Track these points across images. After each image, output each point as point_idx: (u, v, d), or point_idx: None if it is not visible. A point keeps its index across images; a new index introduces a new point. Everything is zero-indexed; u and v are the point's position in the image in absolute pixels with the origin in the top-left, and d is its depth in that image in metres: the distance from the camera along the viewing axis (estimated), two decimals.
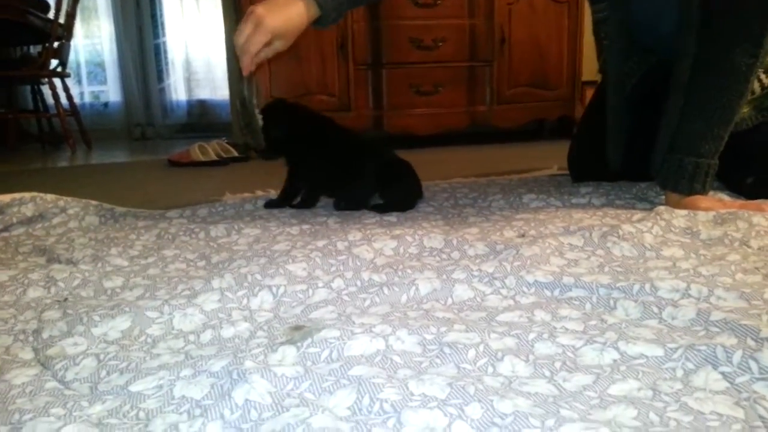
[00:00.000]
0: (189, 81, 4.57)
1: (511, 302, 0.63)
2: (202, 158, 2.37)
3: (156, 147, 3.72)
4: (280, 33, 1.06)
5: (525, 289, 0.65)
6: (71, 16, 3.49)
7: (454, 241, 0.83)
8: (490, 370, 0.47)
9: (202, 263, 0.87)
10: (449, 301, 0.64)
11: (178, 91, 4.58)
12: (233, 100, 3.49)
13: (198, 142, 2.48)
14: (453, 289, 0.65)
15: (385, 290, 0.65)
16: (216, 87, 4.58)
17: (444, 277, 0.67)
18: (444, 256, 0.80)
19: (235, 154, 2.53)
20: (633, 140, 1.17)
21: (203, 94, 4.61)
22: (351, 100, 2.76)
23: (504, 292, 0.65)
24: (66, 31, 3.50)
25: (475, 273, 0.68)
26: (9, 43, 3.91)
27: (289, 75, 2.68)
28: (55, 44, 3.45)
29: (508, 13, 2.78)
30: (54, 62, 3.52)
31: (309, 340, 0.52)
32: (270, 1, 1.06)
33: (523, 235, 0.87)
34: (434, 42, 2.74)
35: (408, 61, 2.76)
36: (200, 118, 4.56)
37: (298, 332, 0.54)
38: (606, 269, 0.71)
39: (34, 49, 4.00)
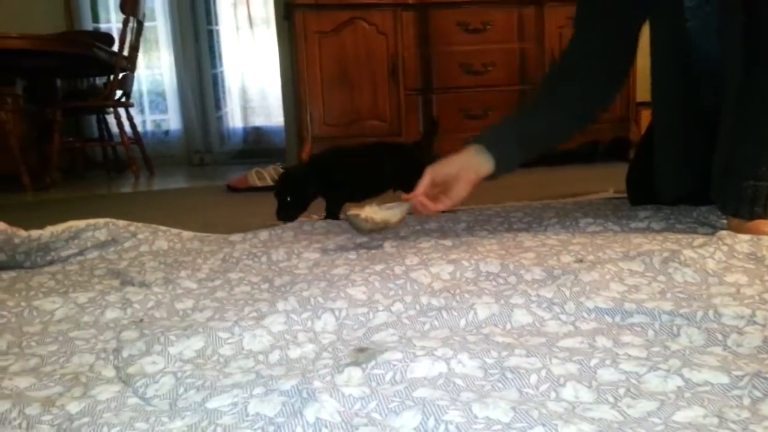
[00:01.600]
0: (245, 109, 4.73)
1: (571, 328, 0.63)
2: (258, 183, 2.44)
3: (214, 173, 3.85)
4: (443, 182, 1.08)
5: (585, 315, 0.65)
6: (134, 49, 3.68)
7: (511, 266, 0.84)
8: (553, 395, 0.48)
9: (265, 286, 0.91)
10: (508, 326, 0.65)
11: (234, 119, 4.74)
12: (288, 126, 3.60)
13: (255, 168, 2.56)
14: (511, 314, 0.66)
15: (444, 314, 0.67)
16: (270, 114, 4.73)
17: (502, 302, 0.68)
18: (501, 280, 0.81)
19: None
20: (696, 163, 1.16)
21: (258, 121, 4.76)
22: (402, 124, 2.81)
23: (563, 317, 0.65)
24: (130, 63, 3.69)
25: (534, 298, 0.69)
26: (77, 75, 4.15)
27: (341, 101, 2.75)
28: (120, 75, 3.64)
29: (559, 36, 2.78)
30: (118, 92, 3.71)
31: (373, 361, 0.54)
32: (445, 158, 1.10)
33: (581, 261, 0.87)
34: (484, 66, 2.76)
35: (458, 85, 2.80)
36: (255, 145, 4.71)
37: (363, 354, 0.56)
38: (668, 295, 0.70)
39: (100, 80, 4.23)
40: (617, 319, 0.64)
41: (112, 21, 4.51)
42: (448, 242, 1.08)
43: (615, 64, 1.21)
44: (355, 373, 0.53)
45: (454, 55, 2.74)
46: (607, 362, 0.52)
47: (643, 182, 1.29)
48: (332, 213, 1.44)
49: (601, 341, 0.58)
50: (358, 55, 2.70)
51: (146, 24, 3.82)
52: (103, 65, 3.59)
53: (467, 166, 1.08)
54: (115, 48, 3.72)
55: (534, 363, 0.53)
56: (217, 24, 4.68)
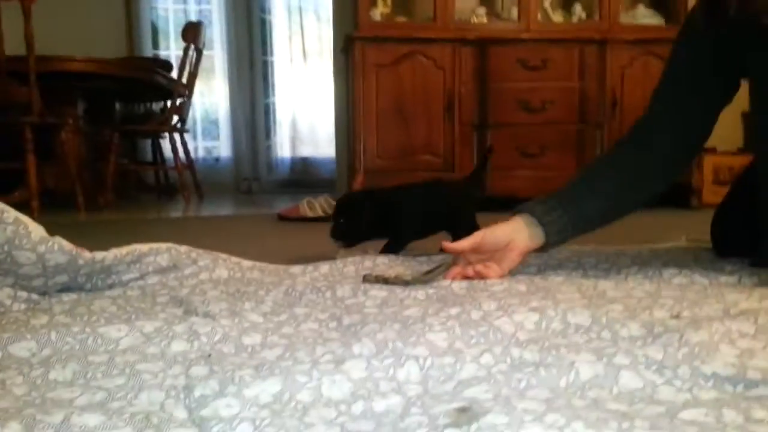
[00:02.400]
0: (294, 139, 4.78)
1: (689, 396, 0.56)
2: (310, 214, 2.43)
3: (261, 201, 3.87)
4: (489, 250, 1.09)
5: (702, 382, 0.59)
6: (193, 76, 3.77)
7: (603, 319, 0.78)
8: None
9: (333, 324, 0.86)
10: (615, 389, 0.58)
11: (283, 149, 4.80)
12: (338, 157, 3.60)
13: (306, 198, 2.55)
14: (618, 375, 0.60)
15: (542, 371, 0.61)
16: (318, 145, 4.77)
17: (605, 360, 0.62)
18: (593, 335, 0.75)
19: None
20: None
21: (306, 151, 4.81)
22: (455, 159, 2.78)
23: (678, 383, 0.59)
24: (187, 90, 3.77)
25: (641, 359, 0.62)
26: (135, 99, 4.26)
27: (395, 135, 2.74)
28: (177, 102, 3.72)
29: (621, 76, 2.73)
30: (175, 118, 3.79)
31: (476, 424, 0.49)
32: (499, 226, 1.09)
33: (677, 316, 0.80)
34: (542, 104, 2.72)
35: (514, 122, 2.76)
36: (302, 175, 4.74)
37: (464, 415, 0.50)
38: None
39: (156, 105, 4.34)
40: (739, 388, 0.57)
41: (171, 48, 4.64)
42: (522, 287, 1.02)
43: (690, 140, 1.17)
44: None
45: (512, 91, 2.70)
46: None
47: (732, 234, 1.21)
48: (392, 249, 1.39)
49: (730, 415, 0.51)
50: (415, 89, 2.69)
51: (204, 53, 3.92)
52: (162, 91, 3.68)
53: (518, 237, 1.07)
54: (174, 74, 3.82)
55: None
56: (272, 55, 4.78)
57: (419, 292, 1.01)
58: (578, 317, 0.79)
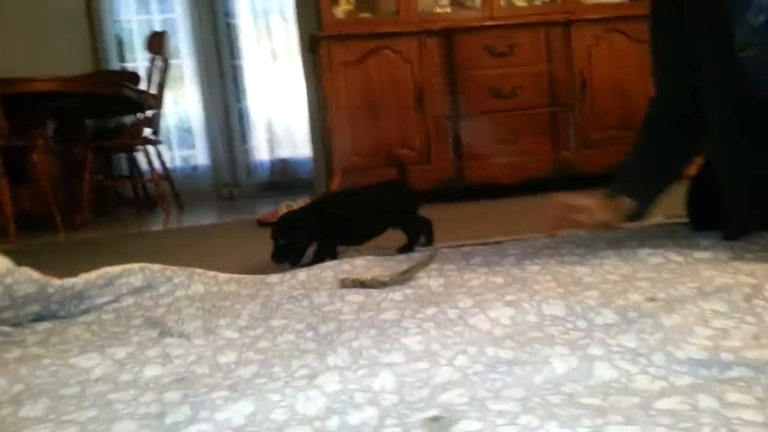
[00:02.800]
0: (271, 141, 4.75)
1: (665, 384, 0.56)
2: None
3: (242, 206, 3.84)
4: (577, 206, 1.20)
5: (677, 368, 0.58)
6: (161, 87, 3.72)
7: (578, 308, 0.77)
8: None
9: (310, 334, 0.85)
10: (590, 382, 0.58)
11: (260, 152, 4.76)
12: (316, 157, 3.58)
13: (285, 201, 2.53)
14: (592, 367, 0.59)
15: (516, 369, 0.60)
16: (296, 146, 4.74)
17: (580, 353, 0.62)
18: (569, 325, 0.75)
19: None
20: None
21: (284, 153, 4.78)
22: (431, 152, 2.77)
23: (653, 371, 0.58)
24: (157, 101, 3.72)
25: (615, 348, 0.62)
26: (105, 114, 4.20)
27: (370, 132, 2.72)
28: (148, 113, 3.67)
29: (588, 56, 2.73)
30: (147, 130, 3.73)
31: None
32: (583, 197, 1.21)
33: (652, 299, 0.80)
34: (513, 90, 2.72)
35: (486, 110, 2.75)
36: (282, 177, 4.71)
37: (436, 423, 0.50)
38: (763, 340, 0.63)
39: (127, 119, 4.28)
40: (714, 371, 0.57)
41: (138, 60, 4.58)
42: (499, 279, 1.02)
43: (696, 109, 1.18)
44: None
45: (481, 79, 2.70)
46: (723, 431, 0.45)
47: (705, 207, 1.21)
48: (322, 258, 1.39)
49: (705, 401, 0.51)
50: (384, 84, 2.68)
51: (172, 62, 3.87)
52: (132, 104, 3.63)
53: (615, 211, 1.18)
54: (142, 86, 3.77)
55: None
56: (240, 59, 4.73)
57: (397, 294, 1.00)
58: (553, 308, 0.79)
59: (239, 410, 0.59)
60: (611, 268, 1.02)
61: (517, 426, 0.48)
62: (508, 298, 0.85)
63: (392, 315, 0.87)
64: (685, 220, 1.32)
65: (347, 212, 1.44)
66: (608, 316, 0.74)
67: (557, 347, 0.64)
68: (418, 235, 1.50)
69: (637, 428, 0.46)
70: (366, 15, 2.88)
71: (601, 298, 0.83)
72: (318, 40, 2.67)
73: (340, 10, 2.84)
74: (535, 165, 2.73)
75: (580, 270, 1.02)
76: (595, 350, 0.62)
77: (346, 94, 2.67)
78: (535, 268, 1.08)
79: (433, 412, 0.53)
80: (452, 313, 0.83)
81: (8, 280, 1.00)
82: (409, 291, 1.01)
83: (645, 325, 0.67)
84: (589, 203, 1.18)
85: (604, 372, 0.59)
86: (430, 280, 1.08)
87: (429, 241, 1.51)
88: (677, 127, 1.22)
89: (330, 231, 1.40)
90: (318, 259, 1.38)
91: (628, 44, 2.74)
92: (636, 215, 1.20)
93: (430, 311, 0.85)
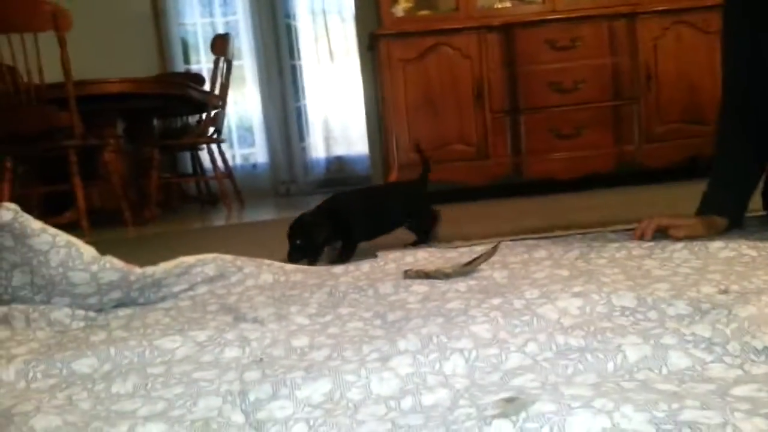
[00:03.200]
0: (327, 139, 4.82)
1: (740, 372, 0.56)
2: None
3: (300, 202, 3.92)
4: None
5: (754, 357, 0.58)
6: (225, 87, 3.84)
7: (649, 300, 0.77)
8: None
9: (378, 322, 0.88)
10: (664, 370, 0.58)
11: (317, 149, 4.84)
12: (372, 154, 3.62)
13: None
14: (666, 356, 0.59)
15: (588, 356, 0.61)
16: (351, 143, 4.79)
17: (652, 342, 0.62)
18: (640, 316, 0.74)
19: None
20: None
21: (340, 150, 4.84)
22: (489, 147, 2.76)
23: (728, 360, 0.58)
24: (221, 101, 3.84)
25: (689, 337, 0.62)
26: (172, 114, 4.36)
27: (427, 127, 2.73)
28: (212, 113, 3.79)
29: (654, 48, 2.66)
30: (211, 129, 3.86)
31: (524, 413, 0.49)
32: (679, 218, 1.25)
33: (725, 291, 0.79)
34: (574, 84, 2.67)
35: (547, 105, 2.72)
36: (338, 173, 4.78)
37: (511, 405, 0.51)
38: None
39: (192, 119, 4.43)
40: None
41: (202, 62, 4.73)
42: (564, 272, 1.02)
43: None
44: (506, 426, 0.48)
45: (542, 73, 2.67)
46: None
47: None
48: (346, 256, 1.42)
49: None
50: (443, 81, 2.68)
51: (234, 63, 3.98)
52: (196, 104, 3.76)
53: (709, 228, 1.21)
54: (206, 87, 3.89)
55: (713, 417, 0.46)
56: (299, 59, 4.82)
57: (460, 285, 1.01)
58: (623, 299, 0.79)
59: (317, 389, 0.62)
60: (681, 261, 1.00)
61: (592, 408, 0.49)
62: (576, 289, 0.85)
63: (458, 305, 0.88)
64: (758, 213, 1.29)
65: (358, 211, 1.48)
66: (680, 307, 0.74)
67: (630, 336, 0.64)
68: (427, 232, 1.56)
69: (715, 413, 0.46)
70: (425, 12, 2.90)
71: (671, 290, 0.82)
72: (377, 38, 2.70)
73: (400, 8, 2.87)
74: (597, 160, 2.68)
75: (649, 263, 1.00)
76: (669, 339, 0.62)
77: (405, 90, 2.69)
78: (602, 261, 1.08)
79: (507, 394, 0.54)
80: (518, 304, 0.84)
81: (94, 268, 1.06)
82: (473, 282, 1.02)
83: (719, 316, 0.67)
84: (683, 222, 1.22)
85: (678, 360, 0.59)
86: (493, 272, 1.09)
87: (429, 237, 1.56)
88: (749, 133, 1.24)
89: (347, 230, 1.44)
90: (344, 258, 1.41)
91: (695, 35, 2.66)
92: (730, 227, 1.24)
93: (496, 301, 0.86)
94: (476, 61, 2.68)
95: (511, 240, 1.40)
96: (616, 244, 1.19)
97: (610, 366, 0.59)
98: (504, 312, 0.81)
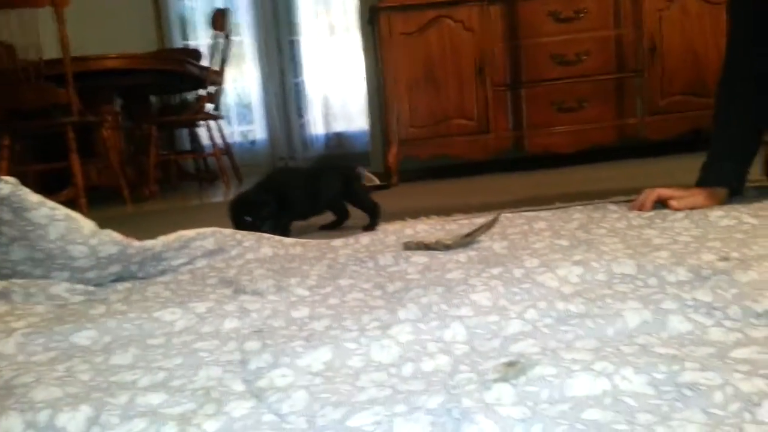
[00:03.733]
0: (326, 115, 4.79)
1: (740, 336, 0.55)
2: None
3: None
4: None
5: (754, 321, 0.57)
6: (223, 63, 3.80)
7: (649, 267, 0.76)
8: (748, 416, 0.42)
9: (378, 293, 0.88)
10: (664, 334, 0.58)
11: (316, 126, 4.81)
12: (372, 129, 3.60)
13: None
14: (666, 320, 0.59)
15: (588, 322, 0.61)
16: (351, 119, 4.76)
17: (652, 307, 0.61)
18: (639, 282, 0.74)
19: (377, 182, 2.59)
20: None
21: (339, 126, 4.81)
22: (490, 122, 2.73)
23: (728, 324, 0.58)
24: (219, 77, 3.81)
25: (689, 302, 0.61)
26: (169, 90, 4.33)
27: (427, 102, 2.71)
28: (210, 89, 3.76)
29: (659, 19, 2.62)
30: (209, 106, 3.83)
31: (524, 377, 0.49)
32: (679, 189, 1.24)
33: (726, 258, 0.79)
34: (577, 56, 2.64)
35: (549, 78, 2.69)
36: (337, 149, 4.76)
37: (512, 369, 0.51)
38: None
39: (190, 95, 4.40)
40: None
41: (200, 38, 4.68)
42: (564, 242, 1.01)
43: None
44: (506, 390, 0.48)
45: (545, 46, 2.63)
46: None
47: None
48: (281, 233, 1.39)
49: None
50: (444, 54, 2.65)
51: (233, 38, 3.94)
52: (195, 80, 3.73)
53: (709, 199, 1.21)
54: (204, 63, 3.86)
55: (713, 378, 0.46)
56: (298, 34, 4.77)
57: (461, 255, 1.01)
58: (623, 267, 0.78)
59: (318, 357, 0.62)
60: (681, 230, 1.00)
61: (592, 371, 0.49)
62: (576, 258, 0.85)
63: (458, 275, 0.88)
64: (758, 183, 1.28)
65: (299, 189, 1.48)
66: (681, 274, 0.73)
67: (629, 302, 0.64)
68: (373, 210, 1.51)
69: (715, 374, 0.46)
70: None
71: (672, 257, 0.82)
72: (378, 11, 2.66)
73: None
74: (599, 133, 2.66)
75: (649, 232, 1.00)
76: (669, 304, 0.62)
77: (406, 65, 2.66)
78: (602, 231, 1.07)
79: (507, 359, 0.54)
80: (518, 273, 0.84)
81: (93, 241, 1.06)
82: (473, 253, 1.02)
83: (720, 282, 0.66)
84: (683, 193, 1.21)
85: (678, 325, 0.58)
86: (493, 243, 1.09)
87: (376, 215, 1.51)
88: (748, 103, 1.24)
89: (284, 207, 1.44)
90: (280, 234, 1.38)
91: (701, 6, 2.61)
92: (731, 196, 1.23)
93: (496, 270, 0.86)
94: (478, 34, 2.64)
95: (510, 212, 1.39)
96: (616, 215, 1.18)
97: (610, 331, 0.59)
98: (504, 281, 0.81)
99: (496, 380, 0.50)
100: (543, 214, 1.33)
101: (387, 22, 2.64)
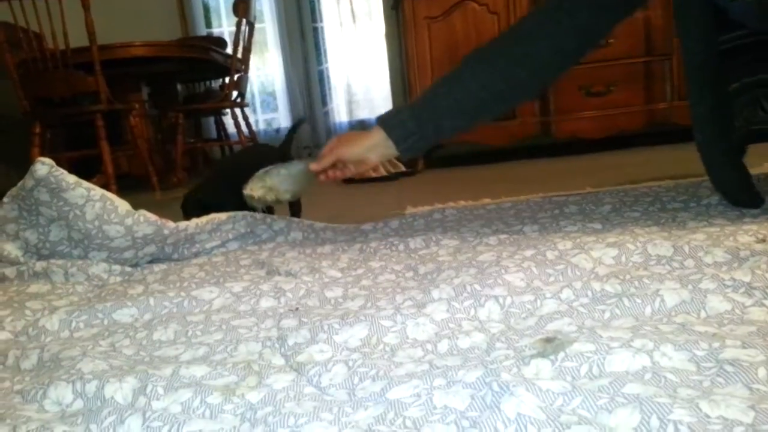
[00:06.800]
0: (350, 103, 4.79)
1: None
2: (373, 174, 2.45)
3: None
4: (349, 161, 1.10)
5: None
6: (247, 50, 3.80)
7: (686, 248, 0.76)
8: None
9: (410, 274, 0.88)
10: (703, 313, 0.58)
11: (340, 113, 4.82)
12: None
13: None
14: (705, 300, 0.59)
15: (625, 301, 0.61)
16: (375, 107, 4.75)
17: (690, 287, 0.61)
18: (675, 264, 0.74)
19: (402, 168, 2.59)
20: None
21: (363, 114, 4.81)
22: (516, 107, 2.70)
23: None
24: (243, 65, 3.82)
25: (728, 282, 0.61)
26: (195, 78, 4.36)
27: None
28: (235, 77, 3.78)
29: None
30: (234, 93, 3.85)
31: (563, 353, 0.50)
32: (351, 135, 1.14)
33: (763, 240, 0.78)
34: (605, 39, 2.59)
35: None
36: None
37: (550, 345, 0.51)
38: None
39: (215, 83, 4.43)
40: None
41: (224, 25, 4.70)
42: (597, 225, 1.01)
43: (572, 44, 1.02)
44: (544, 365, 0.49)
45: None
46: None
47: None
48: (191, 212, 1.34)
49: None
50: (469, 38, 2.63)
51: (256, 25, 3.94)
52: (219, 68, 3.75)
53: (371, 156, 1.09)
54: (229, 50, 3.87)
55: (755, 355, 0.46)
56: (321, 21, 4.76)
57: (491, 238, 1.01)
58: (659, 248, 0.78)
59: (354, 334, 0.63)
60: (717, 213, 0.98)
61: (632, 348, 0.49)
62: (610, 240, 0.84)
63: (489, 257, 0.88)
64: None
65: (219, 175, 1.48)
66: (718, 255, 0.73)
67: (667, 282, 0.64)
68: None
69: (757, 351, 0.46)
70: None
71: (708, 239, 0.81)
72: None
73: None
74: (627, 118, 2.62)
75: (684, 215, 0.99)
76: (707, 284, 0.62)
77: (430, 49, 2.64)
78: (635, 214, 1.06)
79: (545, 336, 0.54)
80: (551, 254, 0.84)
81: (129, 221, 1.08)
82: (503, 236, 1.02)
83: (759, 262, 0.66)
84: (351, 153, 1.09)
85: (717, 304, 0.58)
86: (524, 226, 1.09)
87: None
88: (521, 59, 1.02)
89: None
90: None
91: None
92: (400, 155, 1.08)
93: (529, 252, 0.86)
94: (503, 17, 2.62)
95: (540, 197, 1.39)
96: (649, 198, 1.17)
97: (648, 310, 0.59)
98: (537, 262, 0.81)
99: (533, 356, 0.50)
100: (573, 198, 1.32)
101: (411, 6, 2.63)
